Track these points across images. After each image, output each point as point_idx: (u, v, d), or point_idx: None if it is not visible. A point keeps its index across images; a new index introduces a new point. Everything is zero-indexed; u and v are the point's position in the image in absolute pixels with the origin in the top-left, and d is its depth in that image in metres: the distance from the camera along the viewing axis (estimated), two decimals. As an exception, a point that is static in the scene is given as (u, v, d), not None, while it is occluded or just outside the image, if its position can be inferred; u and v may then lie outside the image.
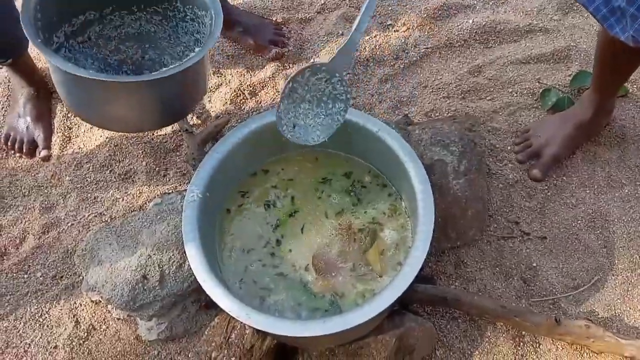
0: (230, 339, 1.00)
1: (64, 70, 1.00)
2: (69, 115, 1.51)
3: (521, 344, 1.13)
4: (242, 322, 1.01)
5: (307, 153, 1.14)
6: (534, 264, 1.21)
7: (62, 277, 1.26)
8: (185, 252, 1.05)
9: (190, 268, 1.05)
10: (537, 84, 1.48)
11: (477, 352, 1.13)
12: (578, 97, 1.41)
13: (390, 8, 1.67)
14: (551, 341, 1.12)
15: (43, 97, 1.52)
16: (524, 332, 1.13)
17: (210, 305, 1.14)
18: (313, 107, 0.95)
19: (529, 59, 1.54)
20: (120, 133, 1.42)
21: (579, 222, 1.27)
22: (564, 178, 1.33)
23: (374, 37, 1.61)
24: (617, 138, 1.38)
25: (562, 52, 1.54)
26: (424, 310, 1.17)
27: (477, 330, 1.15)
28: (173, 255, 1.05)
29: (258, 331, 1.01)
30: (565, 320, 1.08)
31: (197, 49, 1.17)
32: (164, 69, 1.08)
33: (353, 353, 0.99)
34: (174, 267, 1.05)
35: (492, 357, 1.12)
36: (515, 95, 1.47)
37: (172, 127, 1.44)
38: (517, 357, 1.12)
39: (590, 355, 1.10)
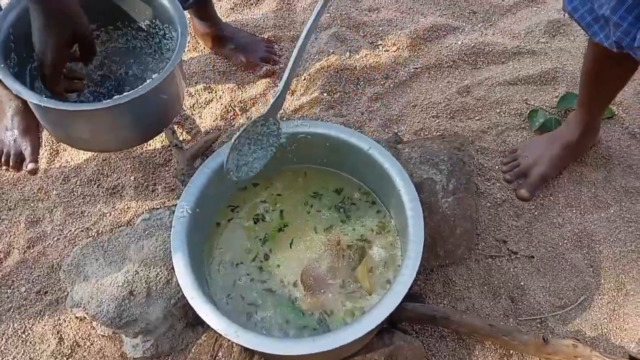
0: (217, 357, 0.99)
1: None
2: (58, 128, 1.50)
3: (509, 363, 1.13)
4: (229, 340, 1.00)
5: (297, 169, 1.15)
6: (522, 283, 1.22)
7: (46, 292, 1.24)
8: (172, 268, 1.04)
9: (178, 285, 1.04)
10: (524, 104, 1.50)
11: (465, 372, 1.12)
12: (565, 118, 1.43)
13: (380, 28, 1.69)
14: (539, 360, 1.12)
15: (30, 111, 1.50)
16: (512, 351, 1.13)
17: (197, 323, 1.13)
18: (251, 146, 1.00)
19: (517, 80, 1.56)
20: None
21: (566, 241, 1.28)
22: (551, 198, 1.34)
23: (365, 56, 1.62)
24: (603, 159, 1.40)
25: (549, 74, 1.57)
26: (413, 328, 1.16)
27: (465, 349, 1.15)
28: (160, 271, 1.04)
29: (246, 349, 1.00)
30: (553, 339, 1.08)
31: (154, 75, 1.12)
32: (125, 93, 1.02)
33: (341, 372, 0.98)
34: (161, 283, 1.04)
35: (480, 377, 1.12)
36: (503, 115, 1.49)
37: (162, 142, 1.44)
38: (505, 376, 1.12)
39: (578, 375, 1.10)
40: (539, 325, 1.17)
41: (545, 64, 1.59)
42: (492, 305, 1.20)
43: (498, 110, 1.50)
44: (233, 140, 0.94)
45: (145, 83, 1.05)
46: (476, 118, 1.48)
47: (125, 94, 1.01)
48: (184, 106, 1.50)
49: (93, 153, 1.42)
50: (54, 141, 1.47)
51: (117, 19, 1.24)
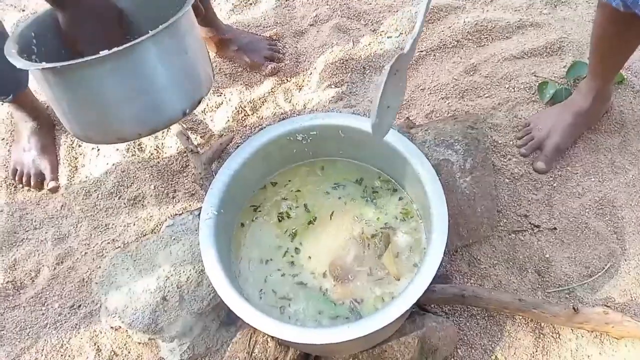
0: (253, 354, 1.01)
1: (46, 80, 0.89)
2: (74, 145, 1.52)
3: (541, 335, 1.13)
4: (264, 336, 1.02)
5: (314, 163, 1.15)
6: (547, 256, 1.22)
7: (79, 306, 1.26)
8: (202, 270, 1.06)
9: (209, 286, 1.06)
10: (533, 77, 1.50)
11: (498, 347, 1.13)
12: (575, 88, 1.42)
13: (381, 15, 1.69)
14: (571, 330, 1.13)
15: (46, 130, 1.53)
16: (543, 324, 1.14)
17: (230, 322, 1.14)
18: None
19: (523, 54, 1.56)
20: (132, 159, 1.43)
21: (587, 210, 1.28)
22: (568, 168, 1.34)
23: (368, 44, 1.63)
24: (617, 125, 1.39)
25: (554, 44, 1.56)
26: (443, 309, 1.17)
27: (497, 326, 1.15)
28: (190, 274, 1.06)
29: (281, 343, 1.02)
30: (583, 308, 1.09)
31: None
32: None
33: (377, 357, 0.99)
34: (192, 286, 1.06)
35: (514, 351, 1.13)
36: (512, 90, 1.49)
37: (177, 149, 1.46)
38: (538, 349, 1.12)
39: (611, 341, 1.10)
40: (567, 296, 1.17)
41: (549, 35, 1.59)
42: (519, 280, 1.20)
43: (507, 86, 1.50)
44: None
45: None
46: (486, 95, 1.48)
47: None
48: (195, 112, 1.52)
49: (111, 166, 1.44)
50: (72, 158, 1.49)
51: None
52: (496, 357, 1.12)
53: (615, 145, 1.37)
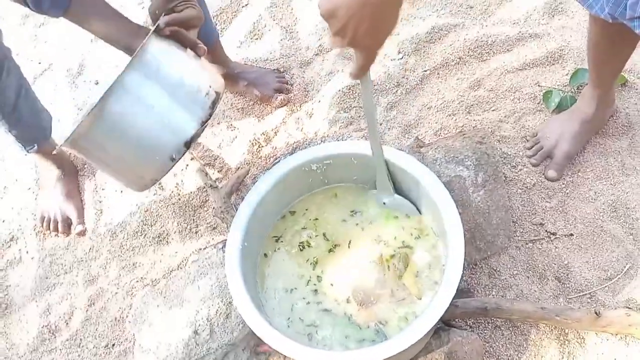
0: (284, 380, 1.04)
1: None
2: (97, 190, 1.58)
3: (566, 342, 1.15)
4: (295, 362, 1.05)
5: (326, 190, 1.19)
6: (566, 262, 1.24)
7: (114, 344, 1.30)
8: (230, 302, 1.10)
9: (237, 317, 1.10)
10: (537, 87, 1.53)
11: (524, 357, 1.15)
12: (579, 94, 1.45)
13: (383, 39, 1.74)
14: (595, 335, 1.14)
15: (70, 176, 1.59)
16: (567, 330, 1.15)
17: (259, 351, 1.18)
18: None
19: (525, 65, 1.59)
20: (154, 198, 1.48)
21: (602, 214, 1.29)
22: (580, 174, 1.36)
23: (373, 68, 1.67)
24: (623, 127, 1.41)
25: (555, 53, 1.59)
26: (467, 323, 1.19)
27: (521, 336, 1.17)
28: (219, 307, 1.10)
29: (311, 368, 1.05)
30: (605, 311, 1.10)
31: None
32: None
33: (406, 375, 1.02)
34: (222, 318, 1.09)
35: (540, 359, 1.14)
36: (517, 101, 1.52)
37: (196, 185, 1.50)
38: (564, 355, 1.14)
39: (636, 342, 1.11)
40: (589, 300, 1.19)
41: (549, 44, 1.62)
42: (540, 289, 1.22)
43: (512, 98, 1.53)
44: None
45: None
46: (492, 109, 1.52)
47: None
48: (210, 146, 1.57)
49: (135, 207, 1.50)
50: (97, 201, 1.55)
51: None
52: (524, 366, 1.14)
53: (624, 148, 1.39)
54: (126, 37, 1.04)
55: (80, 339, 1.33)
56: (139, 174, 0.98)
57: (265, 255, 1.11)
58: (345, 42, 0.80)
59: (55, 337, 1.35)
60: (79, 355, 1.31)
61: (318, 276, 1.07)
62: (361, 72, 0.90)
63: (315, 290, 1.06)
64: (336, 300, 1.04)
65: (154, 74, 0.91)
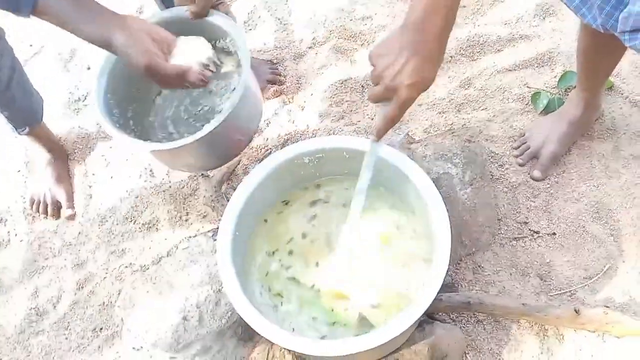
0: (271, 367, 1.06)
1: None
2: (87, 174, 1.58)
3: (545, 337, 1.18)
4: (281, 349, 1.07)
5: (320, 184, 1.20)
6: (548, 260, 1.27)
7: (102, 328, 1.32)
8: (220, 290, 1.11)
9: (226, 305, 1.11)
10: (525, 88, 1.56)
11: (505, 351, 1.18)
12: (567, 96, 1.48)
13: (376, 35, 1.76)
14: (574, 331, 1.17)
15: (60, 161, 1.59)
16: (547, 327, 1.19)
17: (247, 338, 1.19)
18: None
19: (515, 66, 1.62)
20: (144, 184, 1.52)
21: (584, 214, 1.33)
22: (564, 175, 1.40)
23: (366, 64, 1.69)
24: (609, 130, 1.45)
25: (545, 55, 1.62)
26: (450, 317, 1.22)
27: (503, 330, 1.20)
28: (209, 294, 1.11)
29: (297, 355, 1.07)
30: (585, 310, 1.14)
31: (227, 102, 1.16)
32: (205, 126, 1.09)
33: (390, 365, 1.04)
34: (211, 305, 1.11)
35: (520, 354, 1.17)
36: (506, 102, 1.55)
37: (188, 174, 1.51)
38: (543, 350, 1.17)
39: (613, 340, 1.15)
40: (569, 298, 1.22)
41: (539, 46, 1.65)
42: (522, 285, 1.25)
43: (501, 98, 1.56)
44: None
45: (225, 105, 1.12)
46: (481, 108, 1.54)
47: (213, 121, 1.09)
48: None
49: (124, 192, 1.51)
50: (87, 186, 1.55)
51: None
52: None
53: (608, 151, 1.42)
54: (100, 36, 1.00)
55: (68, 322, 1.34)
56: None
57: (265, 220, 1.13)
58: (382, 88, 0.84)
59: (43, 320, 1.35)
60: (66, 338, 1.32)
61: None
62: (386, 126, 0.89)
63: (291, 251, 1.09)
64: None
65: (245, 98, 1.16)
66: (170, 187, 1.50)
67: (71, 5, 0.97)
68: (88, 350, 1.29)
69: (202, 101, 1.28)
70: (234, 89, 1.20)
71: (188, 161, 1.25)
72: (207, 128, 1.08)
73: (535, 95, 1.52)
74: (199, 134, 1.07)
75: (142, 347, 1.22)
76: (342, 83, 1.64)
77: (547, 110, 1.50)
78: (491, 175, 1.39)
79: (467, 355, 1.18)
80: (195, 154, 1.19)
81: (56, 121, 1.65)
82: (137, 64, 0.99)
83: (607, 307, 1.14)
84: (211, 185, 1.41)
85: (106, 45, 0.99)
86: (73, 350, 1.30)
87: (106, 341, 1.29)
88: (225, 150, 1.23)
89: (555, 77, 1.56)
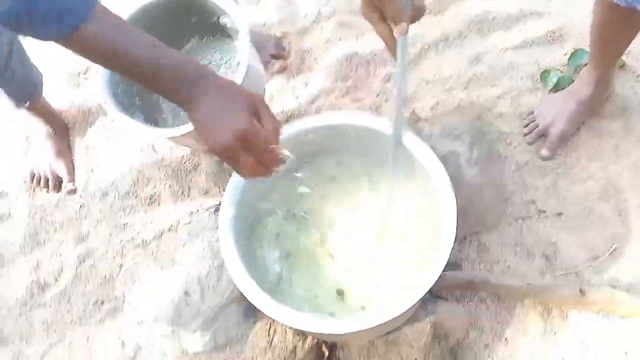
0: (273, 343, 1.06)
1: None
2: (88, 148, 1.57)
3: (550, 317, 1.17)
4: (282, 326, 1.07)
5: (324, 160, 1.18)
6: (554, 240, 1.26)
7: (103, 302, 1.31)
8: (222, 265, 1.11)
9: (228, 280, 1.11)
10: (535, 66, 1.53)
11: (508, 330, 1.17)
12: (577, 75, 1.45)
13: (384, 9, 1.72)
14: (578, 312, 1.16)
15: (61, 135, 1.58)
16: (551, 307, 1.18)
17: (249, 314, 1.19)
18: None
19: (525, 43, 1.58)
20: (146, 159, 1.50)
21: (592, 194, 1.31)
22: (573, 154, 1.37)
23: (372, 39, 1.65)
24: (619, 109, 1.42)
25: (555, 32, 1.58)
26: (453, 295, 1.21)
27: (506, 310, 1.19)
28: (210, 270, 1.11)
29: (298, 332, 1.06)
30: (590, 290, 1.13)
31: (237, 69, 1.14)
32: None
33: (392, 342, 1.04)
34: (213, 281, 1.10)
35: (523, 334, 1.17)
36: (515, 79, 1.51)
37: (189, 148, 1.50)
38: (546, 330, 1.16)
39: (617, 320, 1.14)
40: (574, 279, 1.21)
41: (550, 23, 1.61)
42: (527, 265, 1.24)
43: (510, 75, 1.53)
44: None
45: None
46: (490, 85, 1.51)
47: None
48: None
49: (126, 167, 1.48)
50: (88, 160, 1.54)
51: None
52: (506, 339, 1.16)
53: (618, 130, 1.40)
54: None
55: (70, 295, 1.34)
56: None
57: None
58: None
59: (44, 292, 1.35)
60: (67, 311, 1.32)
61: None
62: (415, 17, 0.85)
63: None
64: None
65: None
66: (172, 162, 1.48)
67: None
68: (89, 323, 1.29)
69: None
70: (239, 63, 1.18)
71: (191, 142, 1.22)
72: None
73: (545, 73, 1.49)
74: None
75: (143, 321, 1.22)
76: (347, 59, 1.61)
77: (557, 88, 1.47)
78: (499, 153, 1.37)
79: (470, 334, 1.17)
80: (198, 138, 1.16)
81: (56, 95, 1.63)
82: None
83: (613, 287, 1.13)
84: (213, 161, 1.39)
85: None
86: (74, 323, 1.30)
87: (108, 315, 1.29)
88: None
89: (565, 54, 1.53)
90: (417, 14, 0.85)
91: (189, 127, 1.07)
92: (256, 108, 0.82)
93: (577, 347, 1.13)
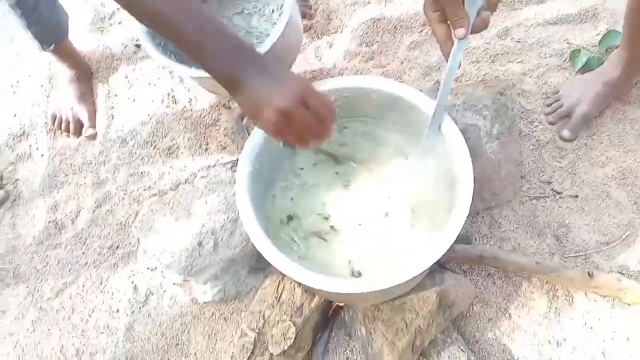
0: (281, 299, 1.08)
1: None
2: (110, 95, 1.57)
3: (555, 297, 1.18)
4: (291, 282, 1.09)
5: (344, 123, 1.18)
6: (567, 222, 1.26)
7: (117, 247, 1.34)
8: (236, 220, 1.12)
9: (241, 235, 1.12)
10: (565, 44, 1.50)
11: (512, 306, 1.19)
12: (607, 56, 1.42)
13: (416, -26, 1.68)
14: (584, 295, 1.17)
15: (84, 79, 1.58)
16: (557, 287, 1.19)
17: (259, 269, 1.21)
18: None
19: (556, 20, 1.54)
20: (166, 110, 1.50)
21: (610, 179, 1.30)
22: (594, 137, 1.36)
23: (400, 4, 1.63)
24: (646, 96, 1.39)
25: (589, 11, 1.54)
26: (461, 268, 1.23)
27: (512, 286, 1.21)
28: (225, 223, 1.12)
29: (307, 290, 1.09)
30: (598, 274, 1.13)
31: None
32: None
33: (397, 308, 1.06)
34: (226, 234, 1.12)
35: (527, 311, 1.18)
36: (544, 56, 1.49)
37: (210, 102, 1.50)
38: (550, 310, 1.17)
39: (622, 306, 1.15)
40: (584, 262, 1.22)
41: (584, 1, 1.57)
42: (537, 245, 1.24)
43: (539, 52, 1.50)
44: None
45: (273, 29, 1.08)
46: (517, 61, 1.49)
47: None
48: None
49: (146, 116, 1.50)
50: (109, 107, 1.55)
51: None
52: (509, 315, 1.18)
53: (643, 117, 1.38)
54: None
55: (86, 238, 1.37)
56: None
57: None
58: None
59: (61, 233, 1.38)
60: (83, 253, 1.35)
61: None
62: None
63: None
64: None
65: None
66: (192, 115, 1.49)
67: None
68: (104, 266, 1.32)
69: (237, 22, 1.24)
70: (272, 11, 1.16)
71: (223, 90, 1.20)
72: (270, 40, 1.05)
73: (575, 52, 1.46)
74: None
75: (156, 268, 1.26)
76: (374, 22, 1.59)
77: (585, 69, 1.44)
78: (519, 131, 1.36)
79: (474, 307, 1.19)
80: None
81: (81, 39, 1.63)
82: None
83: (622, 273, 1.13)
84: (232, 117, 1.40)
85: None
86: (89, 266, 1.33)
87: (122, 259, 1.32)
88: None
89: (597, 35, 1.49)
90: (481, 25, 0.85)
91: None
92: (304, 94, 0.83)
93: (580, 329, 1.14)
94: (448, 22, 0.86)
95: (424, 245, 1.02)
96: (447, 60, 0.91)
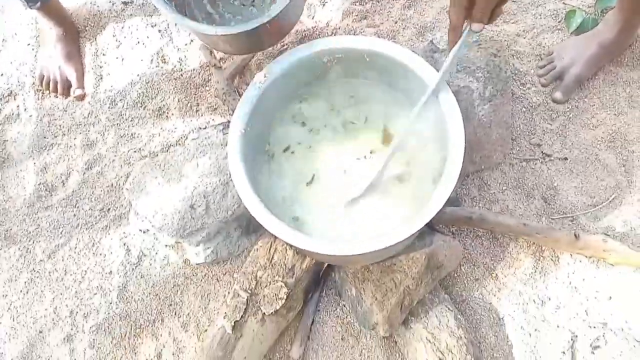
0: (273, 260, 1.09)
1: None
2: (98, 54, 1.54)
3: (541, 258, 1.21)
4: (283, 245, 1.10)
5: (337, 85, 1.17)
6: (555, 184, 1.27)
7: (109, 209, 1.34)
8: (227, 182, 1.12)
9: (233, 197, 1.13)
10: (561, 5, 1.48)
11: (499, 267, 1.21)
12: (602, 18, 1.40)
13: None
14: (570, 255, 1.20)
15: (71, 37, 1.55)
16: (544, 248, 1.21)
17: (251, 231, 1.22)
18: None
19: (553, -21, 1.52)
20: (156, 70, 1.47)
21: (599, 142, 1.31)
22: (586, 100, 1.36)
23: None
24: (639, 59, 1.39)
25: (586, -30, 1.52)
26: (450, 230, 1.24)
27: (500, 247, 1.23)
28: (216, 186, 1.12)
29: (298, 252, 1.10)
30: (584, 235, 1.15)
31: None
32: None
33: (387, 269, 1.08)
34: (218, 197, 1.12)
35: (514, 271, 1.21)
36: (539, 17, 1.47)
37: (200, 63, 1.48)
38: (536, 270, 1.20)
39: (606, 266, 1.18)
40: (570, 223, 1.24)
41: (583, -40, 1.54)
42: (525, 206, 1.26)
43: (534, 12, 1.48)
44: None
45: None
46: (512, 21, 1.47)
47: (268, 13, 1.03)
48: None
49: (135, 76, 1.47)
50: (97, 67, 1.52)
51: None
52: (496, 274, 1.20)
53: (635, 79, 1.37)
54: None
55: (77, 200, 1.37)
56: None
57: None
58: None
59: (51, 195, 1.38)
60: (74, 215, 1.35)
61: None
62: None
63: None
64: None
65: None
66: (182, 75, 1.47)
67: None
68: (95, 228, 1.33)
69: None
70: None
71: (226, 48, 1.18)
72: (263, 19, 1.02)
73: (570, 13, 1.45)
74: (253, 24, 1.02)
75: (148, 230, 1.26)
76: (368, -20, 1.55)
77: (580, 30, 1.42)
78: (512, 93, 1.36)
79: (462, 267, 1.21)
80: (238, 41, 1.11)
81: (66, -6, 1.59)
82: None
83: (607, 235, 1.15)
84: (223, 78, 1.38)
85: None
86: (80, 227, 1.33)
87: (113, 221, 1.32)
88: (266, 40, 1.16)
89: (594, -5, 1.47)
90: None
91: (244, 26, 1.03)
92: None
93: (565, 289, 1.17)
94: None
95: (410, 207, 1.04)
96: (450, 46, 0.93)
